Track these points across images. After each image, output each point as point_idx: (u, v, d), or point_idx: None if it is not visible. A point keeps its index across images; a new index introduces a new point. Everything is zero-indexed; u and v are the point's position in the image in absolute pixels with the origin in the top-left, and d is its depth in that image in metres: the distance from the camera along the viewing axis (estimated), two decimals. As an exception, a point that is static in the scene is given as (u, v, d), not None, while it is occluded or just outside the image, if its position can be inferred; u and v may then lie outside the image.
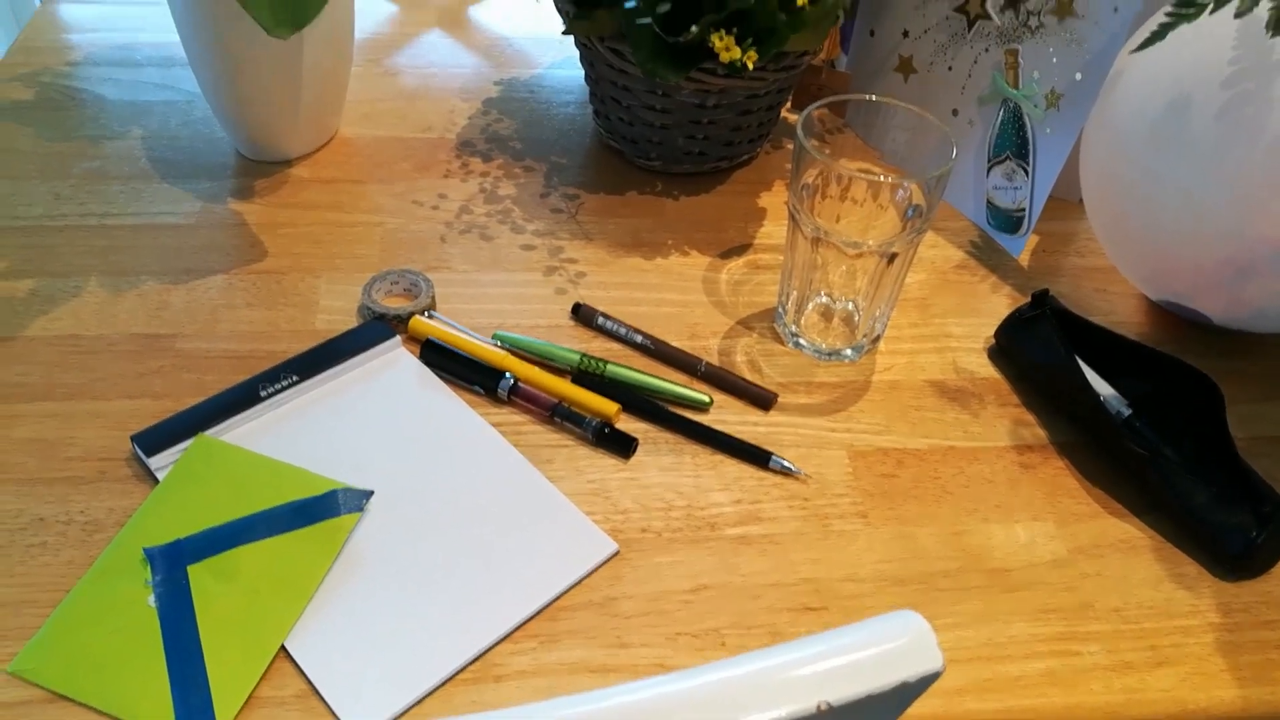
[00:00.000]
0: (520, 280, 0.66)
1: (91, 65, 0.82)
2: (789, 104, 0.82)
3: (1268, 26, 0.47)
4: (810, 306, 0.62)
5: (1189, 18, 0.49)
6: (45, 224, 0.66)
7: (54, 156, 0.72)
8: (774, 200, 0.75)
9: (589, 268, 0.67)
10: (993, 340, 0.64)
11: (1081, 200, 0.67)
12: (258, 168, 0.73)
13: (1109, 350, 0.60)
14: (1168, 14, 0.51)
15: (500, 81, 0.85)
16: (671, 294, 0.66)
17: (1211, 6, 0.48)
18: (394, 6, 0.94)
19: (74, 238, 0.66)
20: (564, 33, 0.66)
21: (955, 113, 0.72)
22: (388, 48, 0.88)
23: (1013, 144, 0.68)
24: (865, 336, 0.62)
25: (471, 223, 0.70)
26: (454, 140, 0.77)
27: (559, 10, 0.68)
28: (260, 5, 0.54)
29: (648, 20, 0.58)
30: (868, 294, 0.60)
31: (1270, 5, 0.47)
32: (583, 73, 0.78)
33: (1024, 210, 0.69)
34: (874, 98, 0.59)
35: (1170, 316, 0.67)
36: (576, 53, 0.78)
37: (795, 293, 0.61)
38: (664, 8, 0.58)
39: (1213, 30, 0.53)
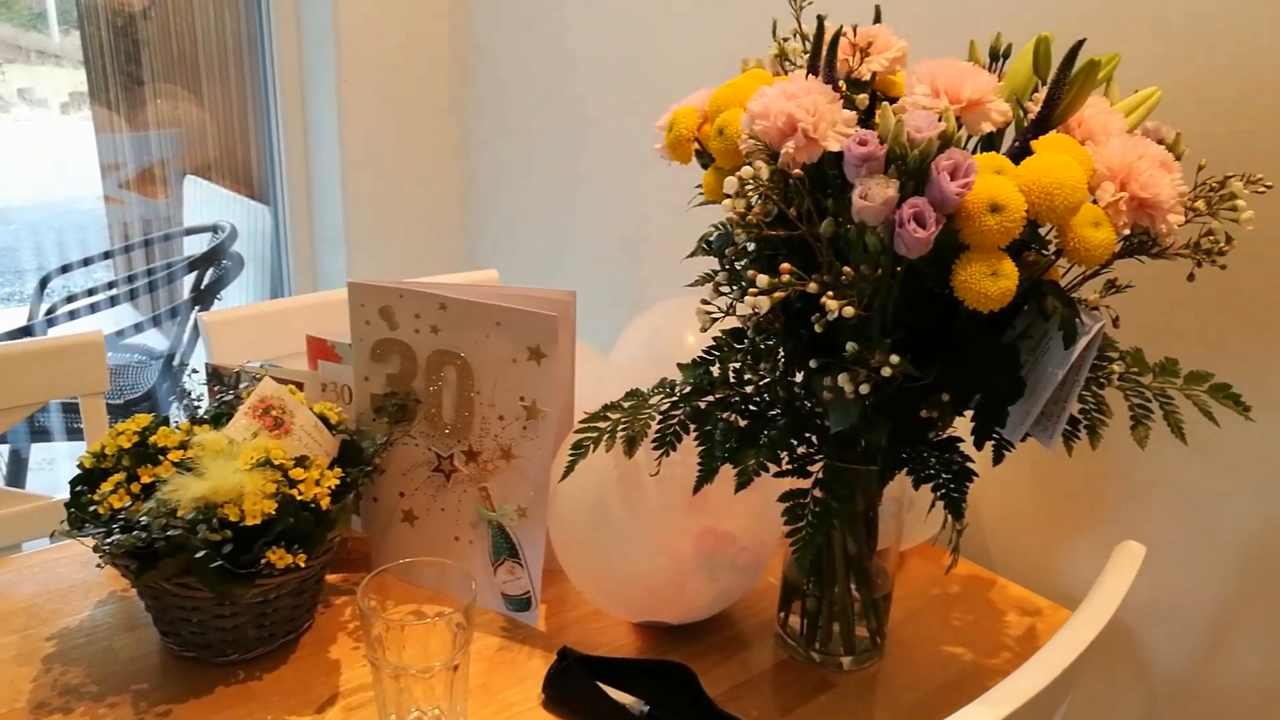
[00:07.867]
0: (149, 808, 0.73)
1: None
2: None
3: (625, 453, 0.78)
4: (408, 725, 0.79)
5: (581, 456, 0.79)
6: None
7: None
8: (341, 650, 0.90)
9: (208, 771, 0.76)
10: (543, 695, 0.85)
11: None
12: None
13: (621, 670, 0.84)
14: (571, 452, 0.80)
15: (52, 636, 0.91)
16: (290, 762, 0.78)
17: (592, 448, 0.79)
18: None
19: None
20: (133, 585, 0.79)
21: (457, 539, 0.96)
22: (-83, 641, 0.90)
23: (505, 549, 0.94)
24: (455, 733, 0.80)
25: (78, 775, 0.76)
26: (26, 708, 0.82)
27: (119, 568, 0.80)
28: None
29: (217, 562, 0.74)
30: (446, 696, 0.78)
31: (622, 434, 0.78)
32: (127, 590, 0.88)
33: (529, 592, 0.93)
34: (407, 560, 0.80)
35: (652, 629, 0.94)
36: (115, 583, 0.89)
37: (394, 716, 0.77)
38: (228, 548, 0.74)
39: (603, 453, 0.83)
